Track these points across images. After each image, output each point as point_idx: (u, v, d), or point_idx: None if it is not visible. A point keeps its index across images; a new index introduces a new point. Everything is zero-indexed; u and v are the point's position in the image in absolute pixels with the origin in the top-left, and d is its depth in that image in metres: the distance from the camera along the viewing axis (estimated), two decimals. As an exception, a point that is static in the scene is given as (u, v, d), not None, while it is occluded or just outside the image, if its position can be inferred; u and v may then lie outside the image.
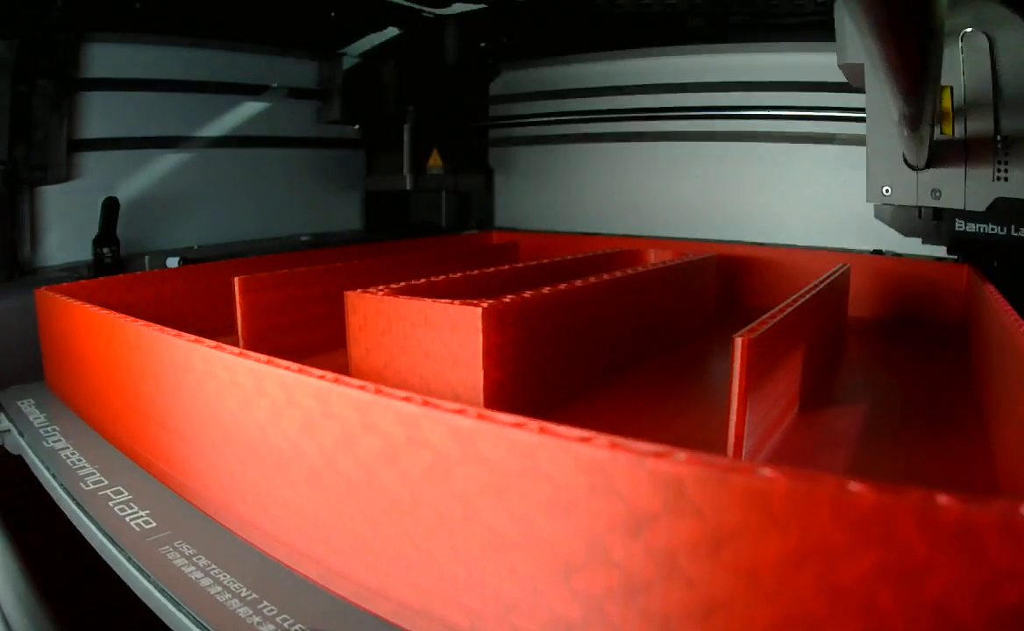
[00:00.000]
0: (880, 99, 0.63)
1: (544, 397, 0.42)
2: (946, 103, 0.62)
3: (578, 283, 0.47)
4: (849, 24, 0.63)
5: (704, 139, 0.94)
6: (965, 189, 0.63)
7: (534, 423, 0.20)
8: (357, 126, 1.00)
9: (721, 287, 0.72)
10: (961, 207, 0.64)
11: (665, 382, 0.51)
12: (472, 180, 1.05)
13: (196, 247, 0.81)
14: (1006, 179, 0.62)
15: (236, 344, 0.39)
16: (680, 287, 0.62)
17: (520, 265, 0.60)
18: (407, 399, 0.23)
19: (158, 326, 0.35)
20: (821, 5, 0.76)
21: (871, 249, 0.78)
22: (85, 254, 0.70)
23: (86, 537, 0.32)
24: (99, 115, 0.75)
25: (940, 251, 0.72)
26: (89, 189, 0.73)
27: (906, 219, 0.72)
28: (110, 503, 0.33)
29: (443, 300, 0.39)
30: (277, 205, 0.93)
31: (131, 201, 0.75)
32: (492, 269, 0.55)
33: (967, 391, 0.49)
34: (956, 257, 0.71)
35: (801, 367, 0.43)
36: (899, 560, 0.16)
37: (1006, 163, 0.61)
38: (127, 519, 0.32)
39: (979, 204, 0.63)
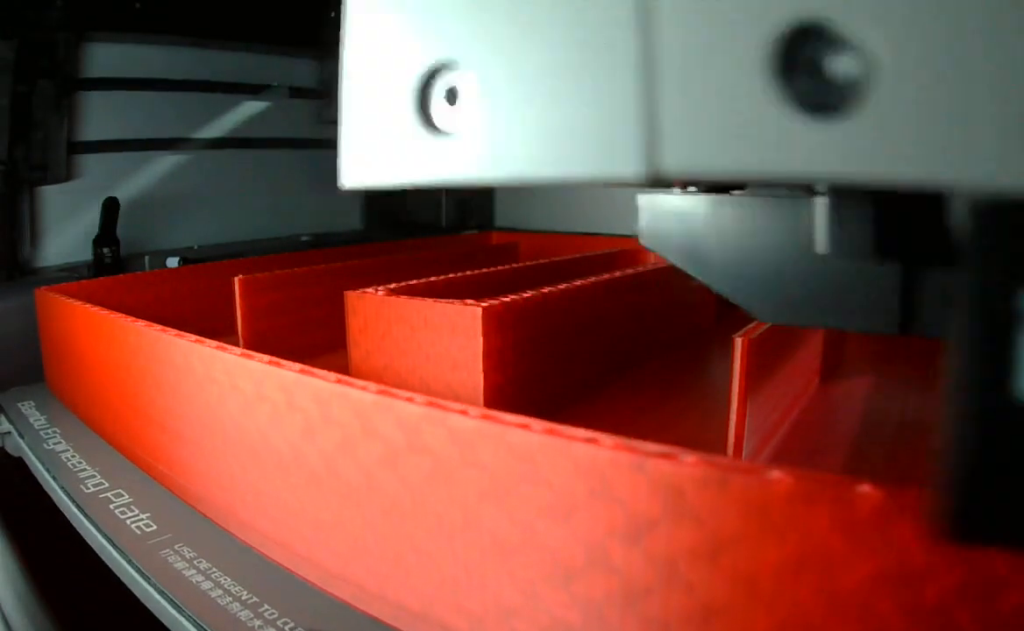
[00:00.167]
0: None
1: (544, 399, 0.42)
2: None
3: (578, 284, 0.47)
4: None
5: (704, 139, 0.93)
6: None
7: (539, 423, 0.20)
8: (357, 126, 1.00)
9: (721, 287, 0.72)
10: None
11: (665, 383, 0.51)
12: (472, 180, 1.05)
13: (196, 247, 0.81)
14: None
15: (236, 345, 0.39)
16: (680, 287, 0.62)
17: (520, 265, 0.60)
18: (409, 400, 0.23)
19: (159, 326, 0.35)
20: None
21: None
22: (85, 254, 0.70)
23: (87, 540, 0.32)
24: (99, 115, 0.75)
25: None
26: (89, 189, 0.73)
27: None
28: (111, 506, 0.33)
29: (443, 300, 0.39)
30: (277, 205, 0.93)
31: (131, 201, 0.75)
32: (492, 269, 0.55)
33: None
34: None
35: (802, 367, 0.43)
36: (897, 566, 0.16)
37: None
38: (128, 522, 0.32)
39: None
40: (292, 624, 0.25)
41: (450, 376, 0.39)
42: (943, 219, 0.13)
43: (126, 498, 0.34)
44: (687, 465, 0.18)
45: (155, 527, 0.31)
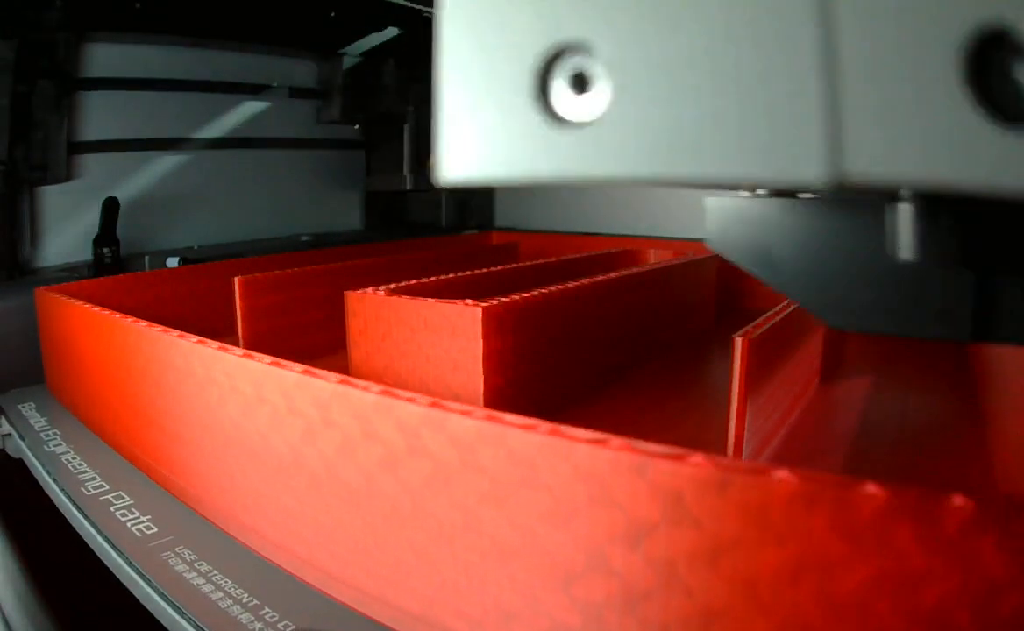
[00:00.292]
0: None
1: (544, 400, 0.43)
2: None
3: (578, 284, 0.47)
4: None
5: (704, 138, 0.93)
6: None
7: (544, 425, 0.20)
8: (357, 126, 1.00)
9: (721, 287, 0.72)
10: None
11: (666, 384, 0.51)
12: (472, 180, 1.05)
13: (196, 247, 0.81)
14: None
15: (236, 346, 0.39)
16: (680, 287, 0.62)
17: (520, 265, 0.60)
18: (411, 400, 0.23)
19: (159, 327, 0.35)
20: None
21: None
22: (85, 254, 0.70)
23: (87, 542, 0.32)
24: (99, 115, 0.75)
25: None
26: (89, 189, 0.73)
27: None
28: (111, 508, 0.33)
29: (443, 301, 0.39)
30: (277, 205, 0.93)
31: (131, 201, 0.75)
32: (492, 269, 0.55)
33: (967, 394, 0.49)
34: None
35: (803, 366, 0.43)
36: (896, 570, 0.16)
37: None
38: (128, 524, 0.32)
39: None
40: (292, 626, 0.25)
41: (450, 378, 0.39)
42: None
43: (127, 500, 0.34)
44: (686, 469, 0.18)
45: (156, 529, 0.31)
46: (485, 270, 0.54)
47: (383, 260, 0.65)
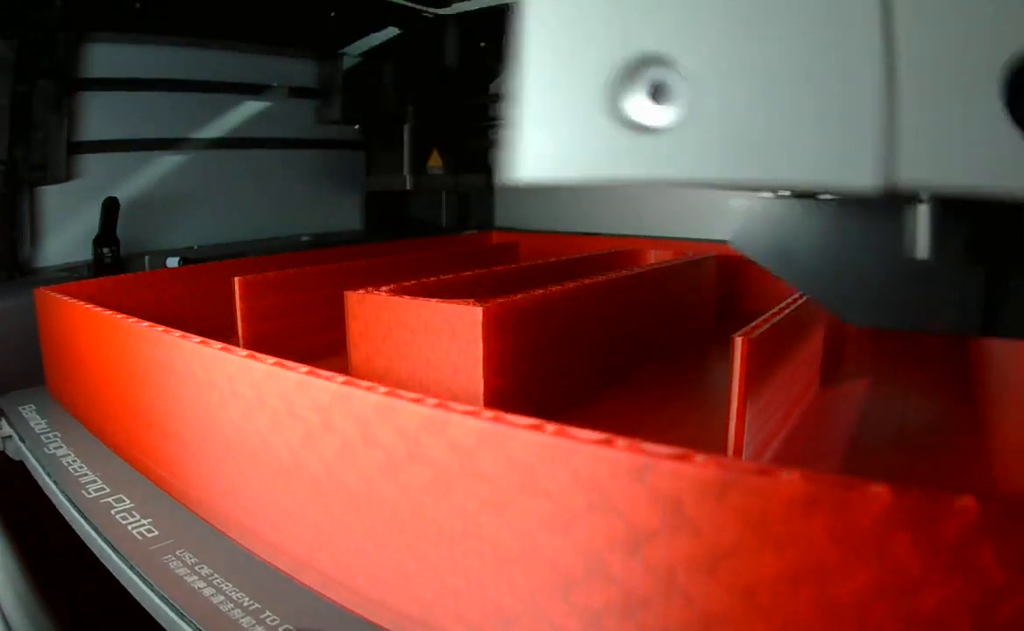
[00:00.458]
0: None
1: (544, 402, 0.43)
2: None
3: (578, 284, 0.47)
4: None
5: (704, 139, 0.94)
6: None
7: (550, 426, 0.20)
8: (357, 126, 1.00)
9: (721, 287, 0.72)
10: None
11: (666, 385, 0.51)
12: (472, 180, 1.05)
13: (196, 247, 0.81)
14: None
15: (237, 346, 0.39)
16: (680, 287, 0.62)
17: (520, 265, 0.60)
18: (416, 401, 0.23)
19: (160, 327, 0.35)
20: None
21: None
22: (85, 254, 0.70)
23: (88, 545, 0.32)
24: (99, 115, 0.75)
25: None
26: (89, 189, 0.73)
27: None
28: (112, 511, 0.33)
29: (443, 301, 0.39)
30: (277, 205, 0.93)
31: (131, 201, 0.75)
32: (492, 270, 0.55)
33: (968, 393, 0.49)
34: None
35: (803, 367, 0.43)
36: (895, 575, 0.16)
37: None
38: (129, 527, 0.32)
39: None
40: (293, 630, 0.25)
41: (451, 380, 0.39)
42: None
43: (127, 503, 0.34)
44: (685, 475, 0.18)
45: (157, 533, 0.31)
46: (485, 270, 0.55)
47: (384, 261, 0.66)
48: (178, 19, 0.78)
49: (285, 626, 0.25)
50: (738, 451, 0.32)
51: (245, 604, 0.26)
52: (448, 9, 0.86)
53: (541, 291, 0.43)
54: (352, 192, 1.03)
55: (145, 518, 0.33)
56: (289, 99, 0.93)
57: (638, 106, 0.13)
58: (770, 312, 0.37)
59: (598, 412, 0.44)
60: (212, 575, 0.28)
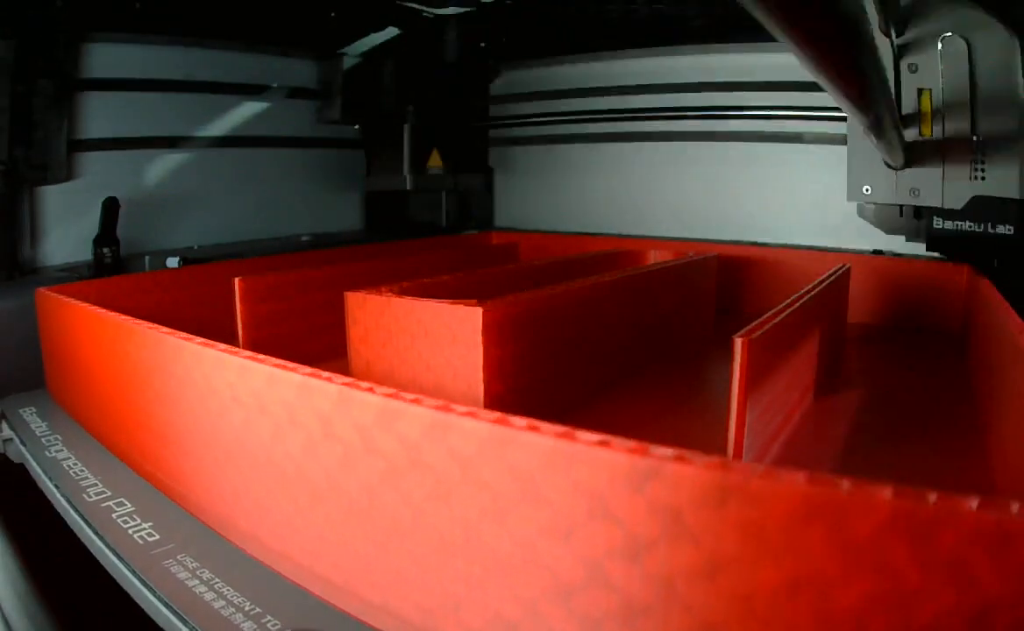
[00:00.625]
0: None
1: (544, 405, 0.43)
2: (925, 106, 0.65)
3: (578, 284, 0.47)
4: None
5: (704, 139, 0.94)
6: (943, 188, 0.66)
7: (558, 428, 0.20)
8: (357, 126, 1.00)
9: (721, 287, 0.72)
10: (938, 205, 0.66)
11: (666, 387, 0.51)
12: (472, 180, 1.05)
13: (196, 247, 0.81)
14: (982, 178, 0.64)
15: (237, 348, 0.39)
16: (681, 287, 0.62)
17: (520, 265, 0.60)
18: (416, 402, 0.23)
19: (161, 328, 0.35)
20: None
21: (871, 249, 0.79)
22: (85, 254, 0.70)
23: (89, 548, 0.32)
24: (99, 115, 0.75)
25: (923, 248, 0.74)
26: (89, 189, 0.73)
27: (888, 217, 0.74)
28: (113, 515, 0.33)
29: (443, 301, 0.39)
30: (277, 205, 0.93)
31: (131, 201, 0.75)
32: (492, 270, 0.55)
33: (967, 396, 0.49)
34: (938, 254, 0.72)
35: (803, 369, 0.43)
36: (892, 586, 0.16)
37: (982, 162, 0.64)
38: (130, 531, 0.32)
39: (956, 202, 0.65)
40: (294, 635, 0.25)
41: (451, 386, 0.39)
42: None
43: (128, 507, 0.34)
44: (684, 484, 0.18)
45: (158, 537, 0.31)
46: (485, 271, 0.55)
47: (384, 264, 0.65)
48: (178, 19, 0.78)
49: (286, 631, 0.25)
50: (738, 453, 0.32)
51: (246, 609, 0.26)
52: (448, 9, 0.86)
53: (541, 291, 0.43)
54: (352, 192, 1.03)
55: (146, 522, 0.33)
56: (289, 99, 0.93)
57: None
58: (770, 312, 0.37)
59: (598, 416, 0.44)
60: (213, 579, 0.28)
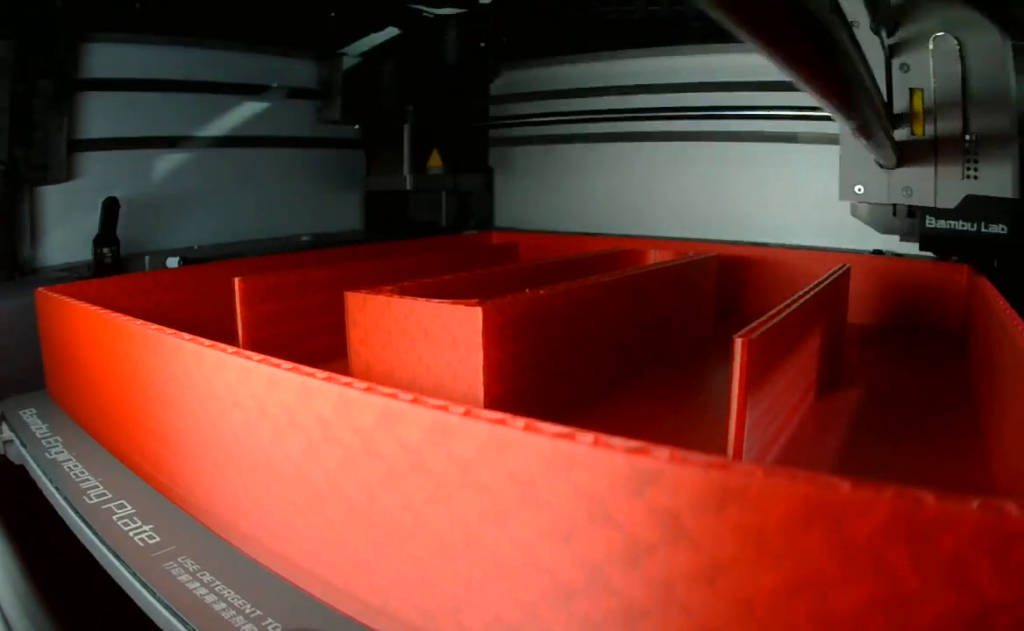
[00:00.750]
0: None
1: (544, 407, 0.43)
2: (917, 105, 0.65)
3: (578, 284, 0.47)
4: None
5: (704, 139, 0.94)
6: (936, 187, 0.66)
7: (558, 431, 0.20)
8: (357, 126, 1.00)
9: (721, 287, 0.72)
10: (932, 205, 0.66)
11: (666, 388, 0.51)
12: (472, 180, 1.05)
13: (196, 247, 0.81)
14: (975, 177, 0.64)
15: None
16: (681, 287, 0.62)
17: (520, 265, 0.60)
18: (416, 401, 0.23)
19: (161, 329, 0.35)
20: (821, 5, 0.75)
21: (871, 249, 0.79)
22: (85, 254, 0.71)
23: (90, 550, 0.32)
24: (99, 115, 0.75)
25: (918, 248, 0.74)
26: (89, 189, 0.73)
27: (881, 217, 0.74)
28: (113, 517, 0.33)
29: (443, 301, 0.39)
30: (277, 205, 0.93)
31: (131, 201, 0.75)
32: (491, 269, 0.55)
33: (967, 396, 0.49)
34: (931, 254, 0.72)
35: (803, 369, 0.43)
36: (891, 590, 0.16)
37: (975, 161, 0.64)
38: (131, 534, 0.32)
39: (949, 201, 0.65)
40: (294, 637, 0.25)
41: (451, 387, 0.39)
42: None
43: (129, 509, 0.34)
44: (683, 490, 0.18)
45: (158, 539, 0.31)
46: (485, 271, 0.55)
47: (385, 265, 0.65)
48: (178, 19, 0.78)
49: (287, 633, 0.25)
50: (738, 453, 0.32)
51: (247, 611, 0.26)
52: (448, 9, 0.86)
53: (541, 291, 0.43)
54: (352, 192, 1.03)
55: (147, 524, 0.33)
56: (289, 99, 0.93)
57: None
58: (771, 312, 0.37)
59: (598, 416, 0.44)
60: (214, 582, 0.28)
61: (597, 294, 0.49)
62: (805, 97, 0.84)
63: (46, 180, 0.70)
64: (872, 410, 0.47)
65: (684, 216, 0.96)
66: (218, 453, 0.31)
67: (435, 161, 0.99)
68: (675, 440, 0.19)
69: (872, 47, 0.61)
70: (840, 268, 0.57)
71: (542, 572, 0.21)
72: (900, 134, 0.65)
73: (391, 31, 0.89)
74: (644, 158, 0.98)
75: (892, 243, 0.77)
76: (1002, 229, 0.63)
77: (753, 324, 0.34)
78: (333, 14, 0.83)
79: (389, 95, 0.94)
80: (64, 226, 0.72)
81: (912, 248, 0.76)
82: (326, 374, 0.26)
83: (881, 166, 0.67)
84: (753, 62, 0.87)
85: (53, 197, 0.71)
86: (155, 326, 0.35)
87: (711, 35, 0.88)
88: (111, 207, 0.69)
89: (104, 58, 0.75)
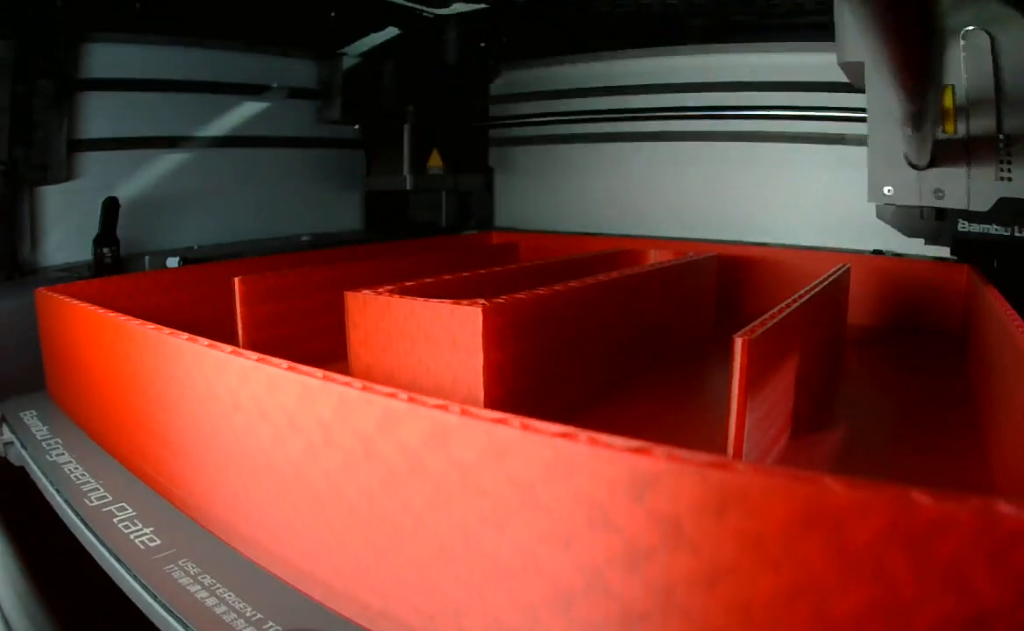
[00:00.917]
0: (881, 98, 0.63)
1: (544, 409, 0.43)
2: (948, 102, 0.62)
3: (579, 284, 0.47)
4: (849, 22, 0.63)
5: (704, 139, 0.94)
6: (968, 189, 0.63)
7: (557, 436, 0.20)
8: (357, 126, 1.00)
9: (721, 287, 0.72)
10: (964, 207, 0.63)
11: (667, 386, 0.51)
12: (472, 180, 1.05)
13: (196, 247, 0.81)
14: (1010, 179, 0.61)
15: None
16: (681, 287, 0.62)
17: (520, 265, 0.60)
18: (418, 402, 0.23)
19: (162, 329, 0.35)
20: (821, 4, 0.75)
21: (871, 249, 0.79)
22: (85, 254, 0.71)
23: (91, 553, 0.32)
24: (99, 115, 0.75)
25: (944, 251, 0.72)
26: (89, 189, 0.73)
27: (908, 219, 0.72)
28: (114, 519, 0.33)
29: (442, 301, 0.39)
30: (277, 205, 0.93)
31: (131, 201, 0.75)
32: (492, 270, 0.55)
33: (967, 396, 0.49)
34: (957, 258, 0.70)
35: (804, 368, 0.43)
36: (890, 595, 0.16)
37: (1009, 163, 0.61)
38: (131, 536, 0.32)
39: (982, 204, 0.62)
40: (295, 640, 0.25)
41: (451, 389, 0.39)
42: None
43: (129, 512, 0.34)
44: (683, 495, 0.18)
45: (159, 542, 0.32)
46: (485, 271, 0.55)
47: (385, 265, 0.65)
48: (178, 19, 0.78)
49: (287, 636, 0.25)
50: (738, 453, 0.32)
51: (248, 614, 0.26)
52: (448, 9, 0.86)
53: (541, 291, 0.43)
54: (352, 192, 1.03)
55: (147, 527, 0.33)
56: (289, 99, 0.93)
57: None
58: (771, 312, 0.37)
59: (598, 417, 0.44)
60: (215, 585, 0.28)
61: (597, 294, 0.49)
62: (805, 97, 0.84)
63: (46, 180, 0.70)
64: (872, 410, 0.47)
65: (684, 216, 0.96)
66: (218, 455, 0.31)
67: (435, 161, 0.99)
68: (675, 441, 0.19)
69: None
70: (840, 268, 0.57)
71: (542, 576, 0.21)
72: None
73: (391, 31, 0.89)
74: (644, 158, 0.98)
75: (894, 242, 0.77)
76: None
77: (753, 324, 0.34)
78: (333, 14, 0.83)
79: (389, 95, 0.94)
80: (64, 226, 0.72)
81: (912, 248, 0.76)
82: (326, 376, 0.26)
83: (912, 166, 0.64)
84: (753, 62, 0.88)
85: (53, 197, 0.71)
86: (156, 326, 0.35)
87: (711, 35, 0.88)
88: (111, 207, 0.69)
89: (104, 58, 0.75)
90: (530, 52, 1.04)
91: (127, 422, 0.39)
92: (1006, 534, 0.15)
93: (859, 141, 0.76)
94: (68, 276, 0.64)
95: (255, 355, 0.29)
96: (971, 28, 0.60)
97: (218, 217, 0.86)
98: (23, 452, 0.42)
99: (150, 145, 0.80)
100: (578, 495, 0.19)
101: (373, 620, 0.25)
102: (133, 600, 0.29)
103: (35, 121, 0.68)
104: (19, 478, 0.43)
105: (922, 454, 0.39)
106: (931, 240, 0.71)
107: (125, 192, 0.75)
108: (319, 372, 0.26)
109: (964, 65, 0.61)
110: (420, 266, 0.68)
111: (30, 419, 0.47)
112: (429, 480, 0.23)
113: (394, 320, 0.41)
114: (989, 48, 0.60)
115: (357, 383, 0.25)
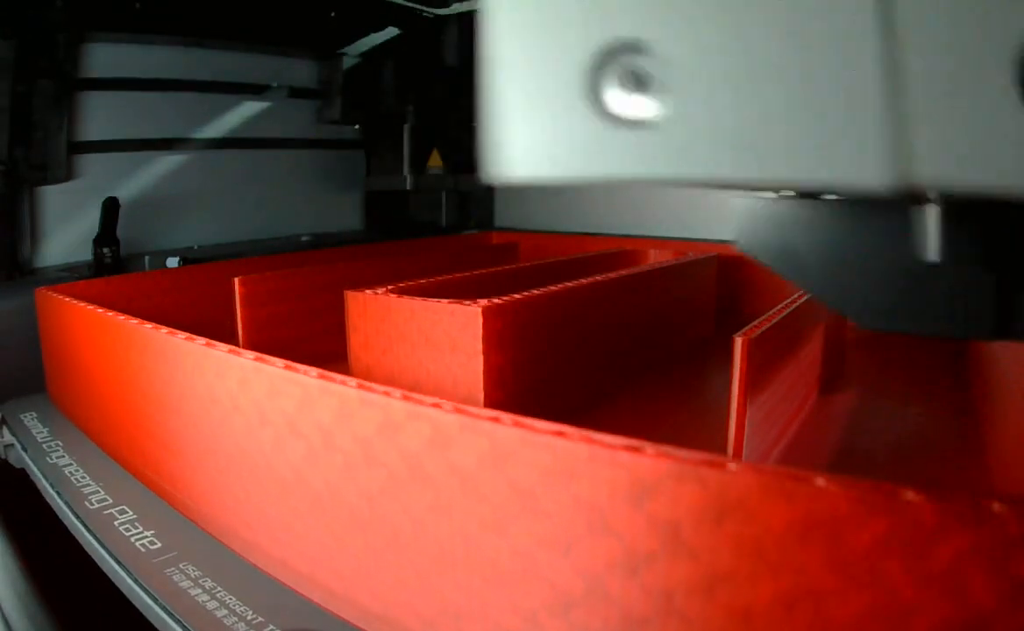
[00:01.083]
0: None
1: (546, 404, 0.43)
2: None
3: (578, 284, 0.47)
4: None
5: (704, 139, 0.93)
6: None
7: (557, 441, 0.20)
8: (357, 126, 1.00)
9: (721, 287, 0.72)
10: None
11: (667, 386, 0.51)
12: (472, 180, 1.05)
13: (196, 247, 0.81)
14: None
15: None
16: (681, 288, 0.62)
17: (520, 266, 0.60)
18: (423, 404, 0.23)
19: (162, 329, 0.35)
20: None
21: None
22: (85, 254, 0.71)
23: (91, 555, 0.32)
24: (99, 115, 0.75)
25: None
26: (89, 189, 0.73)
27: None
28: (115, 522, 0.33)
29: (442, 300, 0.39)
30: (277, 205, 0.93)
31: (131, 201, 0.75)
32: (492, 270, 0.55)
33: (967, 397, 0.49)
34: None
35: (804, 369, 0.43)
36: (887, 601, 0.16)
37: None
38: (132, 539, 0.32)
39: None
40: (295, 643, 0.25)
41: (452, 392, 0.39)
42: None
43: (130, 515, 0.34)
44: (682, 502, 0.18)
45: (160, 545, 0.32)
46: (485, 271, 0.55)
47: (385, 265, 0.65)
48: (178, 19, 0.78)
49: (288, 639, 0.25)
50: (738, 453, 0.32)
51: (248, 617, 0.26)
52: (448, 9, 0.86)
53: (541, 292, 0.43)
54: (352, 192, 1.03)
55: (148, 530, 0.33)
56: (289, 99, 0.93)
57: (618, 98, 0.12)
58: (771, 312, 0.37)
59: (598, 418, 0.44)
60: (215, 588, 0.28)
61: (597, 295, 0.49)
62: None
63: (46, 180, 0.70)
64: (872, 410, 0.47)
65: (684, 216, 0.96)
66: (219, 458, 0.31)
67: (435, 161, 0.99)
68: (675, 441, 0.19)
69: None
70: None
71: (542, 581, 0.21)
72: None
73: (391, 31, 0.89)
74: (644, 158, 0.98)
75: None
76: None
77: (753, 324, 0.34)
78: (333, 14, 0.83)
79: (389, 95, 0.94)
80: (64, 226, 0.72)
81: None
82: (326, 380, 0.26)
83: None
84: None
85: (53, 197, 0.71)
86: (156, 327, 0.35)
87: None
88: (111, 207, 0.69)
89: (104, 58, 0.75)
90: (530, 51, 1.04)
91: (128, 424, 0.39)
92: (1005, 539, 0.15)
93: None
94: (68, 276, 0.64)
95: (256, 359, 0.29)
96: None
97: (218, 217, 0.86)
98: (24, 454, 0.42)
99: (150, 145, 0.80)
100: (578, 500, 0.20)
101: (373, 624, 0.25)
102: (133, 602, 0.29)
103: (35, 121, 0.68)
104: (20, 480, 0.43)
105: (922, 455, 0.39)
106: None
107: (125, 192, 0.75)
108: (321, 379, 0.26)
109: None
110: (420, 266, 0.68)
111: (30, 421, 0.47)
112: (429, 484, 0.23)
113: (394, 322, 0.41)
114: None
115: (359, 390, 0.25)
